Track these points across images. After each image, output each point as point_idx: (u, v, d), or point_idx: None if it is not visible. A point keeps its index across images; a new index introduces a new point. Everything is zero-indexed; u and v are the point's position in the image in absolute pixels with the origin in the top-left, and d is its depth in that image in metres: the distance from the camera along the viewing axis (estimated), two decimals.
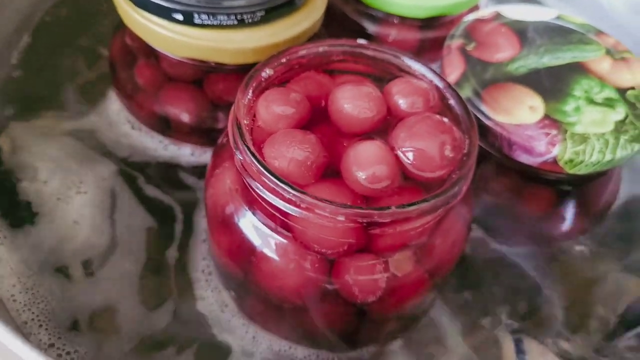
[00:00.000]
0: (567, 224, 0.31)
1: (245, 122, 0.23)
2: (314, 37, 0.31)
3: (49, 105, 0.34)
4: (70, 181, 0.31)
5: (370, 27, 0.37)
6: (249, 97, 0.24)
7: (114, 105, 0.34)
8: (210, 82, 0.31)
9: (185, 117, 0.31)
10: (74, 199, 0.30)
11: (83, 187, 0.30)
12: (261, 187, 0.21)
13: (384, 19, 0.36)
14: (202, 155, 0.32)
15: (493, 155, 0.28)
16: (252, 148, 0.21)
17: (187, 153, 0.32)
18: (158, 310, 0.27)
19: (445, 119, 0.23)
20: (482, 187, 0.30)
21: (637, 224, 0.33)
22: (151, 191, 0.31)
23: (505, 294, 0.30)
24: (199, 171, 0.32)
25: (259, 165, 0.21)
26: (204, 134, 0.32)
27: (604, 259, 0.32)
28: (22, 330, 0.26)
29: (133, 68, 0.32)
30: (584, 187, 0.30)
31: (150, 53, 0.30)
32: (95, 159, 0.32)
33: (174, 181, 0.31)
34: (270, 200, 0.21)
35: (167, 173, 0.31)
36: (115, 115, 0.34)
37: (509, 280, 0.31)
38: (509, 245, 0.32)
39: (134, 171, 0.31)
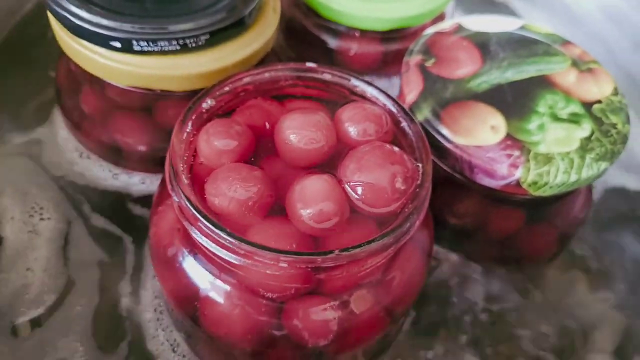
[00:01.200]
0: (536, 245, 0.30)
1: (184, 157, 0.21)
2: (267, 55, 0.30)
3: None
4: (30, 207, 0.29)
5: (332, 42, 0.36)
6: (187, 131, 0.22)
7: (62, 132, 0.33)
8: (160, 109, 0.29)
9: (135, 146, 0.30)
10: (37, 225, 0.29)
11: (45, 214, 0.29)
12: (198, 233, 0.20)
13: (345, 32, 0.35)
14: (153, 183, 0.31)
15: (456, 178, 0.27)
16: (186, 191, 0.20)
17: (137, 181, 0.31)
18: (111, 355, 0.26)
19: (396, 149, 0.22)
20: (447, 210, 0.29)
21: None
22: (101, 222, 0.29)
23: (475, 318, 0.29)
24: (149, 201, 0.30)
25: (192, 210, 0.19)
26: (156, 162, 0.30)
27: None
28: None
29: (79, 95, 0.30)
30: (552, 206, 0.29)
31: (94, 80, 0.29)
32: (46, 186, 0.30)
33: (124, 212, 0.30)
34: (208, 247, 0.20)
35: (117, 204, 0.30)
36: (63, 143, 0.32)
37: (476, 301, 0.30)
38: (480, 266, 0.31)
39: (83, 201, 0.30)
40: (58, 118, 0.33)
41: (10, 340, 0.26)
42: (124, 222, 0.29)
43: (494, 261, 0.31)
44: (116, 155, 0.31)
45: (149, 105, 0.29)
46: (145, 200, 0.30)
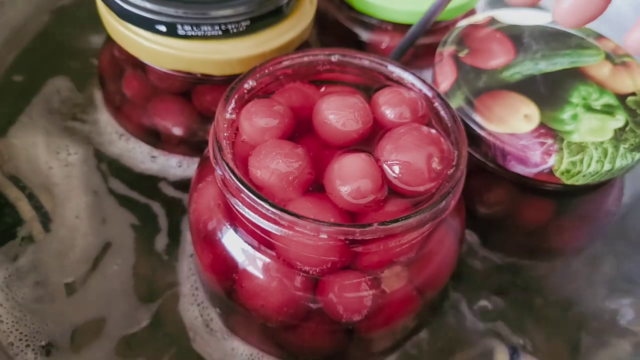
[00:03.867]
0: (566, 237, 0.30)
1: (225, 135, 0.22)
2: (303, 45, 0.31)
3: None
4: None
5: (364, 35, 0.36)
6: (230, 110, 0.23)
7: (103, 116, 0.34)
8: (198, 93, 0.30)
9: (173, 129, 0.31)
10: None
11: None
12: (240, 204, 0.20)
13: (378, 25, 0.36)
14: (190, 166, 0.32)
15: (488, 166, 0.28)
16: (230, 163, 0.21)
17: (174, 165, 0.32)
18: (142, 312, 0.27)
19: (433, 130, 0.22)
20: (477, 198, 0.29)
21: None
22: (138, 201, 0.31)
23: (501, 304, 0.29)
24: (185, 184, 0.31)
25: (236, 181, 0.20)
26: (193, 145, 0.31)
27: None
28: (8, 352, 0.25)
29: (121, 80, 0.31)
30: (585, 197, 0.29)
31: (137, 65, 0.30)
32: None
33: (160, 194, 0.31)
34: (250, 218, 0.20)
35: (155, 185, 0.31)
36: (104, 126, 0.33)
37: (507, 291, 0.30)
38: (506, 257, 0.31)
39: (121, 182, 0.31)
40: (100, 102, 0.34)
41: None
42: (160, 202, 0.30)
43: (522, 253, 0.31)
44: (155, 138, 0.32)
45: (188, 89, 0.30)
46: (181, 183, 0.31)
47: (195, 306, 0.27)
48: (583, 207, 0.29)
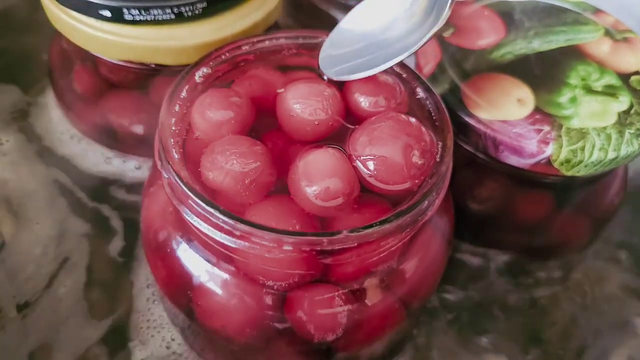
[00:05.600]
0: (568, 233, 0.27)
1: (174, 131, 0.19)
2: (270, 29, 0.28)
3: None
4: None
5: (341, 17, 0.33)
6: (179, 103, 0.20)
7: (54, 113, 0.31)
8: (156, 86, 0.27)
9: (130, 128, 0.28)
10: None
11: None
12: (189, 212, 0.17)
13: (354, 6, 0.33)
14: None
15: (478, 157, 0.25)
16: (175, 166, 0.18)
17: (132, 167, 0.29)
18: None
19: (413, 119, 0.20)
20: (468, 194, 0.26)
21: None
22: (90, 207, 0.28)
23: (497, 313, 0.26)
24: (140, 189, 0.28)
25: (182, 186, 0.17)
26: (153, 144, 0.28)
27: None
28: None
29: (71, 75, 0.28)
30: (586, 189, 0.26)
31: (87, 57, 0.27)
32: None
33: (115, 199, 0.28)
34: (201, 228, 0.17)
35: (108, 190, 0.28)
36: (54, 125, 0.30)
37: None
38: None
39: (73, 186, 0.28)
40: (51, 100, 0.31)
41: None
42: (114, 208, 0.27)
43: (520, 251, 0.28)
44: (110, 138, 0.29)
45: (145, 83, 0.27)
46: (138, 186, 0.28)
47: (152, 328, 0.24)
48: (585, 200, 0.26)
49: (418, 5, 0.22)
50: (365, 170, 0.19)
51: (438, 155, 0.19)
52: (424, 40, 0.20)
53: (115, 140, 0.29)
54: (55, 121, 0.30)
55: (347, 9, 0.32)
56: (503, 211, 0.27)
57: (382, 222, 0.17)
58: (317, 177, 0.18)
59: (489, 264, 0.28)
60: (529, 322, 0.26)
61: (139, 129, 0.28)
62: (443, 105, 0.21)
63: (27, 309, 0.24)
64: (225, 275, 0.19)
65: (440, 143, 0.20)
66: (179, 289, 0.20)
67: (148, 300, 0.25)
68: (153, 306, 0.25)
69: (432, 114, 0.21)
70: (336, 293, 0.19)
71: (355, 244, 0.17)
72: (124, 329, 0.24)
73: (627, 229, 0.30)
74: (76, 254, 0.26)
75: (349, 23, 0.23)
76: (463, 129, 0.24)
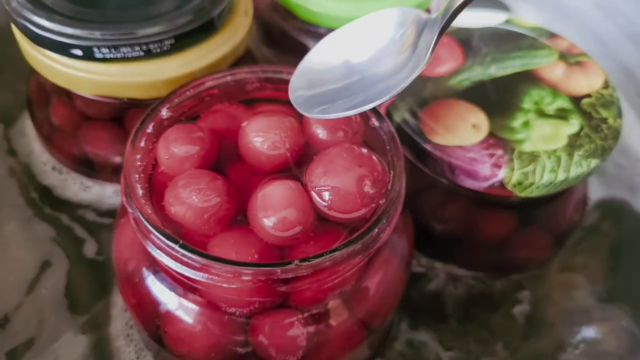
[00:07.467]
0: (529, 249, 0.28)
1: (139, 166, 0.20)
2: (240, 61, 0.29)
3: None
4: None
5: (312, 44, 0.34)
6: (146, 137, 0.21)
7: (35, 145, 0.32)
8: (130, 118, 0.28)
9: (107, 157, 0.29)
10: None
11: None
12: (152, 246, 0.18)
13: (326, 34, 0.34)
14: None
15: (439, 181, 0.26)
16: (137, 202, 0.19)
17: (110, 194, 0.30)
18: None
19: (365, 150, 0.21)
20: (432, 215, 0.27)
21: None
22: (72, 233, 0.29)
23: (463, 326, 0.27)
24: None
25: (144, 221, 0.18)
26: None
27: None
28: None
29: (49, 108, 0.30)
30: (545, 207, 0.27)
31: (62, 92, 0.28)
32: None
33: (94, 225, 0.29)
34: (163, 261, 0.18)
35: (86, 216, 0.29)
36: (35, 156, 0.31)
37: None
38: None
39: (56, 213, 0.29)
40: (31, 132, 0.32)
41: None
42: (91, 234, 0.29)
43: (485, 268, 0.29)
44: (88, 168, 0.30)
45: (120, 115, 0.28)
46: (113, 212, 0.29)
47: (132, 347, 0.25)
48: (544, 217, 0.28)
49: (406, 38, 0.22)
50: (321, 200, 0.20)
51: (390, 184, 0.20)
52: (407, 82, 0.21)
53: (92, 169, 0.30)
54: (37, 152, 0.31)
55: (316, 36, 0.34)
56: (466, 230, 0.28)
57: (332, 251, 0.18)
58: (274, 208, 0.19)
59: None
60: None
61: (115, 159, 0.29)
62: (396, 135, 0.22)
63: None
64: (191, 304, 0.20)
65: (392, 172, 0.21)
66: (148, 316, 0.21)
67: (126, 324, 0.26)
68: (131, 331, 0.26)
69: (386, 143, 0.22)
70: (295, 317, 0.20)
71: (309, 272, 0.18)
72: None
73: None
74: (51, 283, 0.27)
75: (318, 55, 0.24)
76: (421, 155, 0.25)
